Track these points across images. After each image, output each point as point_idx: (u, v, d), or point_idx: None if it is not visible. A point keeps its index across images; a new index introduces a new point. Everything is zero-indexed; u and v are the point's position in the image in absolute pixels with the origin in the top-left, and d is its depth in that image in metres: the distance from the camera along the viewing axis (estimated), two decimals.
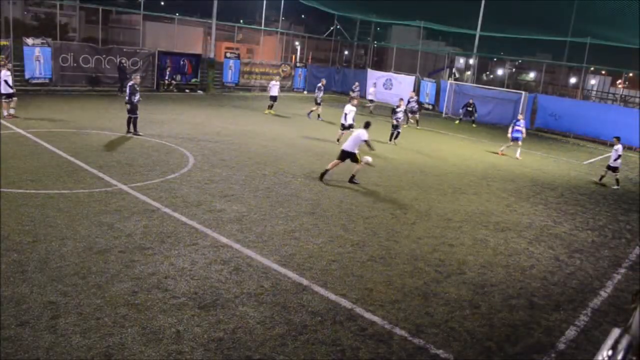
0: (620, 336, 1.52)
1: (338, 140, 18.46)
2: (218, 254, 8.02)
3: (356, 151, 13.24)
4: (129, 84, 16.01)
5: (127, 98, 15.88)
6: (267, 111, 24.74)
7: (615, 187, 16.83)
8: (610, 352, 1.43)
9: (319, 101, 24.62)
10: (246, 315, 6.30)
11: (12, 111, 16.73)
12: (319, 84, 25.23)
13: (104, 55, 26.13)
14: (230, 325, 6.05)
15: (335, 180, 13.31)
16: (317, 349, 5.79)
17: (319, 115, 24.70)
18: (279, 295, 6.91)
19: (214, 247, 8.25)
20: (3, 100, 16.75)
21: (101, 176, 11.36)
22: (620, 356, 1.42)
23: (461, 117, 29.72)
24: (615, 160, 16.91)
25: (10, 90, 16.73)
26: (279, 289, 7.08)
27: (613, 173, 17.04)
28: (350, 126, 18.08)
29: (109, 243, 7.95)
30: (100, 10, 28.45)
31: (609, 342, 1.49)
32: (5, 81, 16.64)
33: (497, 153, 20.70)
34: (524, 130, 20.48)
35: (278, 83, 25.52)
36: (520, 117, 20.98)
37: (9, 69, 17.14)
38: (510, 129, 20.56)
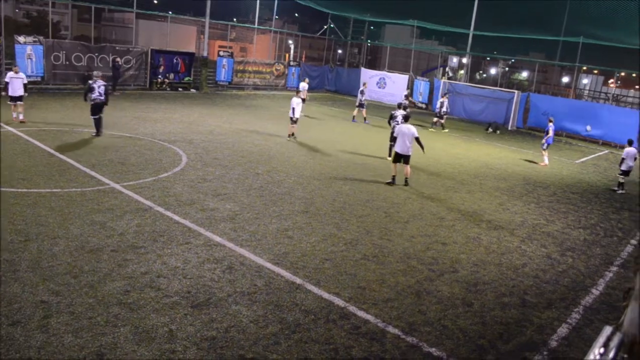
0: (612, 334, 1.52)
1: (289, 135, 18.29)
2: (211, 252, 8.01)
3: (410, 152, 13.49)
4: (103, 84, 15.30)
5: (97, 97, 15.12)
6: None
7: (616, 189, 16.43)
8: (602, 350, 1.44)
9: (365, 104, 25.06)
10: (239, 314, 6.29)
11: (21, 116, 15.97)
12: (362, 88, 25.64)
13: (97, 54, 25.97)
14: (223, 324, 6.04)
15: (327, 178, 13.32)
16: (311, 348, 5.79)
17: (365, 119, 25.21)
18: (272, 293, 6.91)
19: (206, 246, 8.23)
20: (11, 103, 15.92)
21: (93, 175, 11.31)
22: (612, 354, 1.43)
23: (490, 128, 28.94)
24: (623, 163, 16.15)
25: (19, 93, 15.92)
26: (272, 288, 7.07)
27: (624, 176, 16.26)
28: (296, 119, 18.06)
29: (101, 242, 7.91)
30: (93, 8, 28.32)
31: (601, 340, 1.50)
32: (7, 83, 15.84)
33: (540, 164, 19.54)
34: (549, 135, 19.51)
35: (306, 85, 25.73)
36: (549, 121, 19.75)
37: (16, 72, 16.31)
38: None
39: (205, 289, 6.82)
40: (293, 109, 17.90)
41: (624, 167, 16.14)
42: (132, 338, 5.56)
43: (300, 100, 18.36)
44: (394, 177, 13.62)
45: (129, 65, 27.11)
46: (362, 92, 24.86)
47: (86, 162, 12.26)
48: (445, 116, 26.13)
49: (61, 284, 6.51)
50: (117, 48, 27.43)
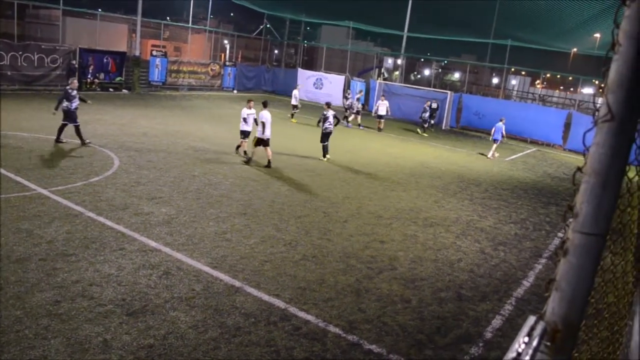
0: (536, 323, 1.59)
1: (239, 149, 16.05)
2: (146, 258, 7.78)
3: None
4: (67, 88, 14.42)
5: (65, 105, 14.20)
6: (293, 120, 25.16)
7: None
8: (526, 339, 1.50)
9: (360, 110, 26.68)
10: (177, 320, 6.14)
11: None
12: (357, 95, 27.57)
13: (20, 52, 24.70)
14: (160, 331, 5.88)
15: (265, 179, 13.26)
16: (251, 351, 5.73)
17: (359, 124, 26.44)
18: (211, 298, 6.79)
19: (142, 252, 7.99)
20: None
21: (19, 180, 10.74)
22: (535, 342, 1.49)
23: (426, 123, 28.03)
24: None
25: None
26: (211, 292, 6.96)
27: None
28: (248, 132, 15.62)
29: (28, 251, 7.53)
30: (16, 4, 26.89)
31: (525, 329, 1.56)
32: None
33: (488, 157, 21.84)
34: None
35: (299, 91, 25.69)
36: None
37: None
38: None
39: (141, 295, 6.62)
40: (245, 119, 15.44)
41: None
42: (64, 350, 5.32)
43: (252, 110, 15.44)
44: (250, 159, 14.93)
45: (56, 65, 25.96)
46: (358, 99, 27.19)
47: (10, 166, 11.62)
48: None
49: None
50: (42, 46, 26.20)
